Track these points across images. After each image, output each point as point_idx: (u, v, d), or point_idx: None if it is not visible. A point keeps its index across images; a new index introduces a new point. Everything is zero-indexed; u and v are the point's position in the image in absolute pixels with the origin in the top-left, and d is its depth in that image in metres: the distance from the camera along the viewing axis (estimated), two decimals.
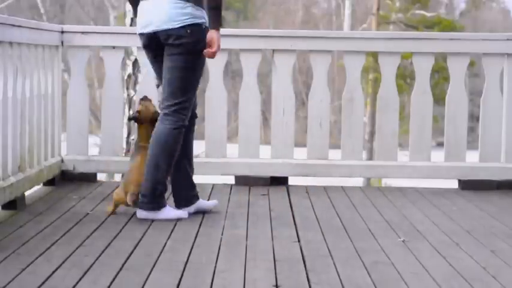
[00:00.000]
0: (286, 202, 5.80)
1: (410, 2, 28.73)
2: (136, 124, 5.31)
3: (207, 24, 5.02)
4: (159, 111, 5.18)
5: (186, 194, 5.20)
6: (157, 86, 5.42)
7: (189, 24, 4.98)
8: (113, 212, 5.15)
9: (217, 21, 5.00)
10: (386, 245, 4.44)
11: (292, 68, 6.63)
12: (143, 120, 5.23)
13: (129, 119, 5.34)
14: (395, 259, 4.14)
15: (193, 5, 4.98)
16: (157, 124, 5.09)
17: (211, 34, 4.98)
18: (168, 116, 5.05)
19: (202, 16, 5.01)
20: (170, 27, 4.98)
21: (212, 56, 5.01)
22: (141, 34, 5.13)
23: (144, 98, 5.32)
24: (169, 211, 5.07)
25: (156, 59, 5.17)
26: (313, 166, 6.59)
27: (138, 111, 5.26)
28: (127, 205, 5.11)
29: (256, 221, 5.06)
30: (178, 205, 5.20)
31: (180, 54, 5.01)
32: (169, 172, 5.08)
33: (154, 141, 5.04)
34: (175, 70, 5.03)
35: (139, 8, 5.14)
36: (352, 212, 5.47)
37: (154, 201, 5.02)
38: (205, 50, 4.98)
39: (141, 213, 5.04)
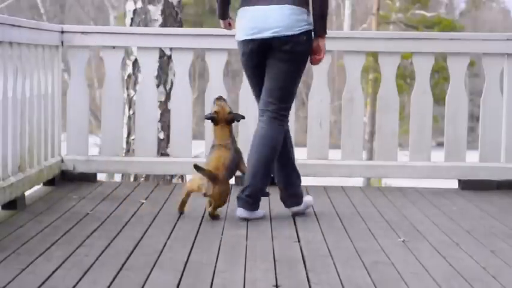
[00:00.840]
0: None
1: (410, 2, 28.75)
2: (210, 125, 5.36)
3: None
4: (233, 112, 5.26)
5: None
6: (257, 90, 5.29)
7: (305, 31, 5.05)
8: (183, 205, 5.16)
9: (323, 28, 5.11)
10: (387, 245, 4.44)
11: None
12: (220, 120, 5.25)
13: (206, 118, 5.34)
14: (395, 259, 4.13)
15: (306, 11, 5.05)
16: (262, 126, 5.14)
17: (319, 41, 5.11)
18: (277, 119, 5.15)
19: (311, 22, 5.09)
20: (291, 33, 5.01)
21: (318, 62, 5.18)
22: (248, 40, 5.09)
23: (219, 98, 5.34)
24: (258, 211, 5.18)
25: (257, 65, 5.17)
26: (313, 166, 6.59)
27: (215, 112, 5.26)
28: (198, 193, 5.09)
29: (256, 221, 5.06)
30: (286, 205, 5.29)
31: (295, 60, 5.08)
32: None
33: (265, 143, 5.11)
34: (290, 76, 5.12)
35: (243, 13, 5.12)
36: (352, 212, 5.47)
37: (258, 203, 5.13)
38: (312, 57, 5.13)
39: (242, 212, 5.08)
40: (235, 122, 5.29)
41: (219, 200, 5.08)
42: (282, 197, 5.29)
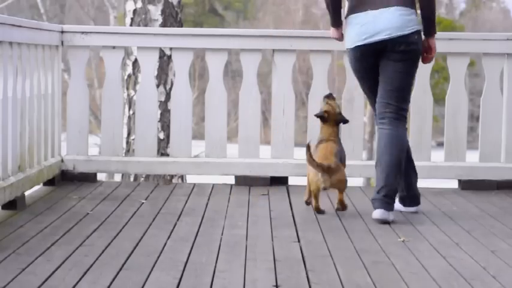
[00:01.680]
0: (286, 202, 5.79)
1: None
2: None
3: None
4: (341, 113, 5.44)
5: (415, 194, 5.46)
6: (371, 93, 5.39)
7: (416, 31, 5.16)
8: (319, 207, 5.26)
9: (433, 28, 5.27)
10: (386, 245, 4.44)
11: (292, 68, 6.63)
12: (329, 120, 5.40)
13: (316, 116, 5.46)
14: (395, 259, 4.13)
15: (414, 11, 5.17)
16: (386, 127, 5.22)
17: (429, 40, 5.28)
18: (399, 120, 5.25)
19: (419, 22, 5.20)
20: (404, 33, 5.11)
21: (430, 61, 5.39)
22: (360, 46, 5.17)
23: (329, 96, 5.46)
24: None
25: (370, 68, 5.25)
26: None
27: (325, 111, 5.40)
28: (321, 188, 5.18)
29: (256, 221, 5.06)
30: (404, 204, 5.43)
31: (409, 60, 5.19)
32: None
33: (393, 143, 5.20)
34: (406, 76, 5.22)
35: (352, 20, 5.20)
36: (352, 212, 5.47)
37: (394, 202, 5.17)
38: (424, 55, 5.30)
39: (382, 213, 5.09)
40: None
41: (342, 187, 5.20)
42: (401, 196, 5.40)
